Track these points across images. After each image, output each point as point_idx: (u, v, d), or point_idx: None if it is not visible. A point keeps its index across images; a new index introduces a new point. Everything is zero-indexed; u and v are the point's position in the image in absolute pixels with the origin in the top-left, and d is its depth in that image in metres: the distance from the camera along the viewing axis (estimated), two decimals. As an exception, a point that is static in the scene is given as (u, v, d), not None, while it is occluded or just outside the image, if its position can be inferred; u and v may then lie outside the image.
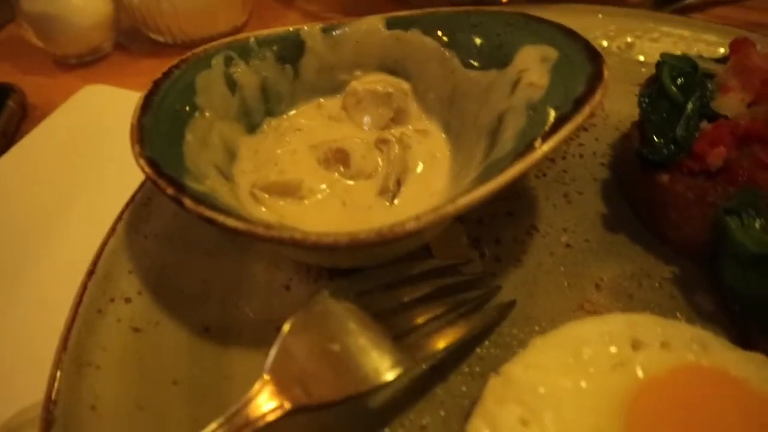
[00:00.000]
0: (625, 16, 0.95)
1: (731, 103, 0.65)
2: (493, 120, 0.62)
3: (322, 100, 0.75)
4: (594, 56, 0.59)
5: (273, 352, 0.50)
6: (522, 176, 0.52)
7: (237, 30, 1.07)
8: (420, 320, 0.54)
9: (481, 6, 0.71)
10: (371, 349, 0.49)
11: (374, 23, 0.73)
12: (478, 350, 0.58)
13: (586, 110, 0.54)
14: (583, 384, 0.51)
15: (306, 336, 0.50)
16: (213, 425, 0.47)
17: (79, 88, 0.94)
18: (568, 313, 0.61)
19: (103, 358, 0.55)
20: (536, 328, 0.60)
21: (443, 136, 0.70)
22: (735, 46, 0.69)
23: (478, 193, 0.50)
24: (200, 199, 0.53)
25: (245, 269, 0.66)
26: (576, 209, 0.72)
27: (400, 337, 0.51)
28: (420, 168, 0.68)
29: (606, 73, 0.57)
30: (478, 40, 0.68)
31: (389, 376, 0.48)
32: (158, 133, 0.59)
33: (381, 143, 0.69)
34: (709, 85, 0.68)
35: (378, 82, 0.72)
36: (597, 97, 0.55)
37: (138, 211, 0.67)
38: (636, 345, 0.54)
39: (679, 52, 0.75)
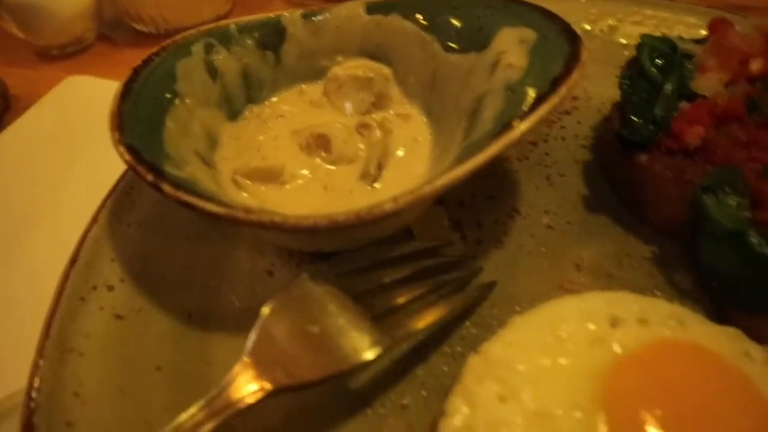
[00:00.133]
0: (607, -1, 0.95)
1: (709, 82, 0.66)
2: (472, 102, 0.62)
3: (303, 86, 0.75)
4: (572, 37, 0.59)
5: (253, 334, 0.50)
6: (499, 156, 0.52)
7: (221, 18, 1.07)
8: (399, 301, 0.54)
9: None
10: (350, 330, 0.50)
11: (355, 8, 0.73)
12: (459, 331, 0.59)
13: (563, 90, 0.54)
14: (561, 361, 0.52)
15: (285, 318, 0.50)
16: (194, 408, 0.48)
17: (62, 79, 0.94)
18: (548, 292, 0.62)
19: (86, 345, 0.56)
20: (516, 308, 0.61)
21: (424, 119, 0.71)
22: (713, 27, 0.69)
23: (454, 173, 0.50)
24: (180, 184, 0.54)
25: (228, 255, 0.66)
26: (557, 191, 0.72)
27: (379, 318, 0.52)
28: (401, 152, 0.68)
29: (584, 53, 0.57)
30: (457, 24, 0.68)
31: (368, 355, 0.49)
32: (138, 120, 0.59)
33: (362, 128, 0.69)
34: (689, 65, 0.68)
35: (359, 67, 0.72)
36: (574, 77, 0.55)
37: (120, 199, 0.67)
38: (614, 322, 0.55)
39: (660, 34, 0.75)
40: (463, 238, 0.67)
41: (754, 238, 0.55)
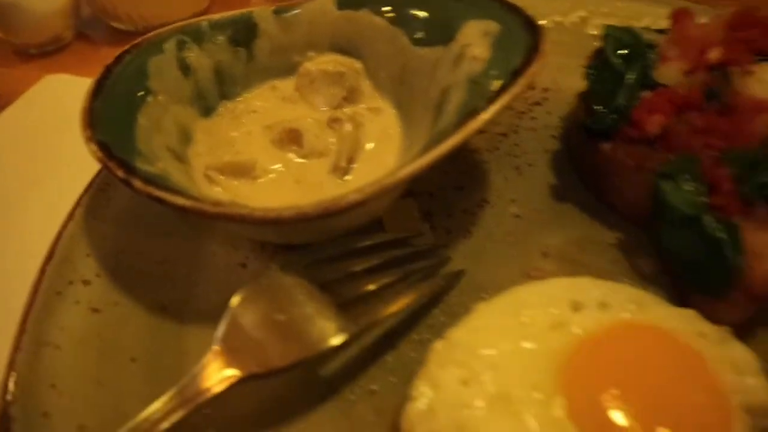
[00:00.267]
0: (580, -10, 0.97)
1: (670, 72, 0.67)
2: (439, 94, 0.64)
3: (276, 81, 0.76)
4: (533, 29, 0.61)
5: (222, 324, 0.52)
6: (464, 146, 0.54)
7: (198, 15, 1.07)
8: (367, 289, 0.56)
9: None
10: (316, 318, 0.51)
11: (325, 4, 0.74)
12: (427, 319, 0.61)
13: (524, 81, 0.56)
14: (523, 344, 0.54)
15: (254, 307, 0.52)
16: (166, 397, 0.49)
17: (40, 77, 0.95)
18: (514, 280, 0.62)
19: (62, 338, 0.57)
20: (483, 295, 0.62)
21: (395, 112, 0.72)
22: (675, 18, 0.71)
23: (416, 164, 0.52)
24: (151, 180, 0.55)
25: (202, 249, 0.67)
26: (526, 181, 0.74)
27: (345, 306, 0.53)
28: (372, 145, 0.69)
29: (544, 44, 0.59)
30: (425, 18, 0.69)
31: (334, 341, 0.51)
32: (110, 117, 0.61)
33: (333, 122, 0.70)
34: (652, 55, 0.70)
35: (330, 62, 0.73)
36: (534, 67, 0.57)
37: (96, 196, 0.68)
38: (575, 306, 0.56)
39: (626, 25, 0.77)
40: (433, 229, 0.68)
41: (709, 222, 0.57)
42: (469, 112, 0.55)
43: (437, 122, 0.61)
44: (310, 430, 0.54)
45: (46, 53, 1.04)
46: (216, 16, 0.73)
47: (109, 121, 0.60)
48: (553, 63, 0.84)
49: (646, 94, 0.66)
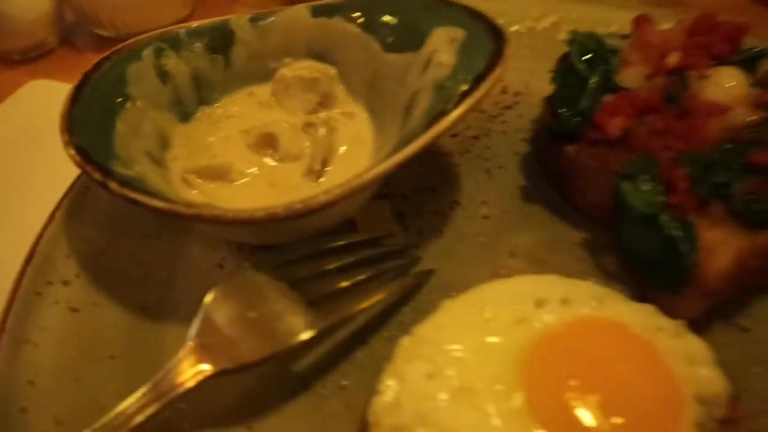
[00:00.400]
0: (551, -2, 0.99)
1: (632, 76, 0.70)
2: (408, 98, 0.66)
3: (253, 87, 0.78)
4: (497, 35, 0.63)
5: (196, 321, 0.54)
6: (430, 149, 0.56)
7: (181, 22, 1.09)
8: (336, 287, 0.58)
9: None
10: (286, 314, 0.54)
11: (300, 12, 0.76)
12: (397, 316, 0.63)
13: (486, 85, 0.58)
14: (487, 340, 0.56)
15: (227, 305, 0.54)
16: (141, 391, 0.51)
17: (24, 83, 0.96)
18: (483, 279, 0.64)
19: (41, 336, 0.59)
20: (452, 294, 0.63)
21: (367, 117, 0.74)
22: (637, 24, 0.73)
23: (382, 167, 0.54)
24: (127, 183, 0.57)
25: (181, 251, 0.69)
26: (496, 183, 0.76)
27: (315, 303, 0.55)
28: (345, 148, 0.71)
29: (507, 50, 0.61)
30: (395, 25, 0.72)
31: (302, 336, 0.53)
32: (88, 122, 0.63)
33: (308, 127, 0.72)
34: (614, 60, 0.72)
35: (305, 68, 0.76)
36: (497, 72, 0.59)
37: (76, 199, 0.70)
38: (539, 303, 0.58)
39: (601, 30, 0.79)
40: (405, 229, 0.71)
41: (665, 221, 0.59)
42: (434, 116, 0.57)
43: (406, 125, 0.63)
44: (282, 423, 0.56)
45: (30, 59, 1.06)
46: (193, 24, 0.75)
47: (88, 126, 0.62)
48: (525, 67, 0.88)
49: (609, 98, 0.69)
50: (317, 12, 0.76)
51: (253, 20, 0.76)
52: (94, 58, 0.70)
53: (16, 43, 1.03)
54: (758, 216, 0.60)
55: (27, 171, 0.85)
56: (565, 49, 0.90)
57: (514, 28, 0.94)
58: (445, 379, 0.53)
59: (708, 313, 0.62)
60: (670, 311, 0.58)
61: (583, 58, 0.73)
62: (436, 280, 0.66)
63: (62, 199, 0.69)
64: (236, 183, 0.68)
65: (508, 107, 0.86)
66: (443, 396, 0.52)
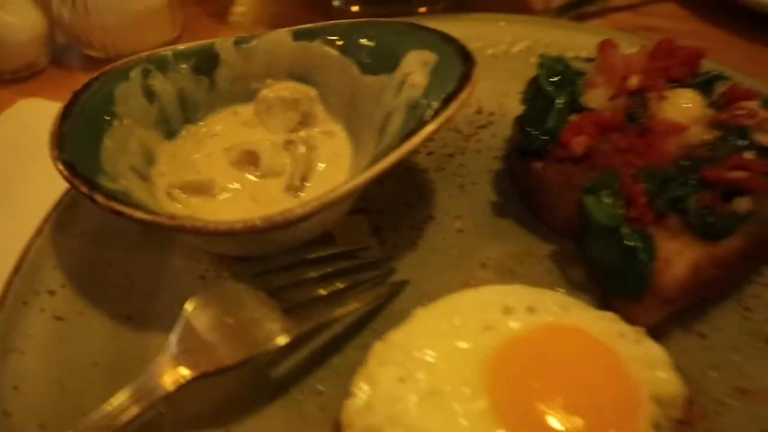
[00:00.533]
0: (524, 22, 1.03)
1: (596, 97, 0.74)
2: (383, 118, 0.70)
3: (237, 107, 0.81)
4: (466, 59, 0.67)
5: (177, 328, 0.56)
6: (397, 165, 0.59)
7: (169, 44, 1.13)
8: (312, 295, 0.60)
9: (377, 18, 0.78)
10: (263, 321, 0.56)
11: (282, 35, 0.80)
12: (371, 324, 0.66)
13: (455, 105, 0.62)
14: (456, 345, 0.58)
15: (206, 312, 0.57)
16: (123, 394, 0.53)
17: (14, 102, 0.99)
18: (454, 289, 0.67)
19: (26, 344, 0.61)
20: (425, 303, 0.67)
21: (346, 135, 0.77)
22: (601, 48, 0.78)
23: (355, 182, 0.58)
24: (113, 196, 0.60)
25: (164, 263, 0.72)
26: (470, 198, 0.79)
27: (292, 310, 0.58)
28: (324, 166, 0.74)
29: (475, 73, 0.65)
30: (372, 48, 0.75)
31: (279, 341, 0.55)
32: (77, 139, 0.65)
33: (288, 144, 0.75)
34: (580, 82, 0.76)
35: (287, 89, 0.79)
36: (464, 94, 0.63)
37: (64, 213, 0.72)
38: (506, 311, 0.61)
39: (572, 54, 0.83)
40: (381, 243, 0.74)
41: (626, 233, 0.63)
42: (407, 133, 0.61)
43: (380, 143, 0.66)
44: (260, 426, 0.58)
45: (21, 78, 1.08)
46: (180, 47, 0.79)
47: (76, 142, 0.65)
48: (499, 89, 0.92)
49: (574, 118, 0.72)
50: (298, 36, 0.79)
51: (237, 43, 0.80)
52: (84, 78, 0.73)
53: (8, 63, 1.06)
54: (712, 228, 0.63)
55: (16, 186, 0.87)
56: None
57: (489, 51, 0.98)
58: (416, 383, 0.56)
59: (668, 320, 0.65)
60: (630, 318, 0.62)
61: (551, 80, 0.77)
62: (410, 290, 0.68)
63: (50, 212, 0.71)
64: (219, 198, 0.71)
65: (483, 126, 0.89)
66: (413, 398, 0.55)
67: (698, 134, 0.69)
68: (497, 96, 0.92)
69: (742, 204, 0.64)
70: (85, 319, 0.65)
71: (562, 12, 1.18)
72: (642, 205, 0.64)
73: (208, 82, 0.79)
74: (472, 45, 0.71)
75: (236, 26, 1.25)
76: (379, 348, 0.59)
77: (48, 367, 0.60)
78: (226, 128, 0.79)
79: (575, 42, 0.97)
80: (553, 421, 0.53)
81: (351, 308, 0.62)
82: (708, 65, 0.79)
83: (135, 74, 0.74)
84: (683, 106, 0.72)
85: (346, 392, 0.59)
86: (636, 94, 0.72)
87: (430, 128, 0.60)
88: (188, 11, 1.21)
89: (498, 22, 1.04)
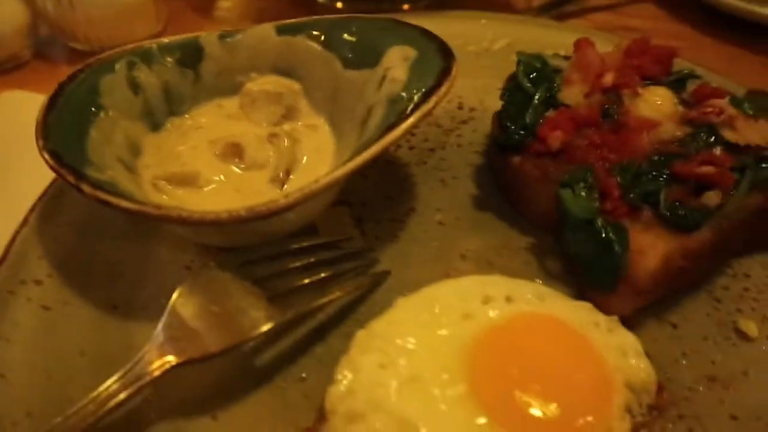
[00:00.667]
0: (505, 21, 1.06)
1: (572, 94, 0.76)
2: (364, 112, 0.71)
3: (222, 100, 0.82)
4: (446, 54, 0.69)
5: (164, 316, 0.57)
6: (377, 158, 0.61)
7: (153, 38, 1.13)
8: (296, 284, 0.62)
9: (360, 14, 0.80)
10: (248, 309, 0.58)
11: (266, 30, 0.81)
12: (354, 314, 0.67)
13: (434, 100, 0.64)
14: (436, 333, 0.60)
15: (192, 301, 0.58)
16: (111, 380, 0.54)
17: (-1, 94, 0.99)
18: (435, 279, 0.69)
19: (13, 332, 0.62)
20: (406, 293, 0.68)
21: (329, 129, 0.79)
22: (577, 46, 0.80)
23: (336, 174, 0.59)
24: (99, 185, 0.61)
25: (150, 253, 0.73)
26: (450, 192, 0.81)
27: (275, 299, 0.59)
28: (307, 158, 0.76)
29: (454, 68, 0.67)
30: (354, 44, 0.76)
31: (263, 328, 0.57)
32: (63, 129, 0.66)
33: (272, 137, 0.76)
34: (557, 79, 0.79)
35: (271, 83, 0.80)
36: (444, 89, 0.65)
37: (50, 203, 0.73)
38: (485, 300, 0.63)
39: (550, 52, 0.85)
40: (363, 234, 0.75)
41: (600, 225, 0.65)
42: (387, 127, 0.62)
43: (362, 137, 0.68)
44: (245, 412, 0.60)
45: (4, 71, 1.08)
46: (165, 40, 0.79)
47: (62, 133, 0.65)
48: (480, 85, 0.94)
49: (551, 113, 0.74)
50: (282, 31, 0.80)
51: (222, 37, 0.81)
52: (68, 71, 0.73)
53: (-9, 55, 1.06)
54: (683, 221, 0.66)
55: (1, 176, 0.87)
56: (517, 68, 0.97)
57: (470, 48, 1.00)
58: (397, 369, 0.57)
59: (641, 310, 0.68)
60: (605, 308, 0.64)
61: (530, 76, 0.79)
62: (391, 280, 0.70)
63: (36, 203, 0.72)
64: (204, 189, 0.72)
65: (464, 122, 0.91)
66: (394, 384, 0.56)
67: (670, 130, 0.72)
68: (478, 92, 0.94)
69: (712, 198, 0.67)
70: (71, 308, 0.66)
71: (542, 11, 1.20)
72: (616, 199, 0.67)
73: (193, 75, 0.80)
74: (454, 42, 0.72)
75: (221, 21, 1.25)
76: (361, 336, 0.60)
77: (35, 356, 0.61)
78: (210, 121, 0.80)
79: (554, 40, 0.99)
80: (529, 405, 0.55)
81: (334, 297, 0.63)
82: (680, 64, 0.82)
83: (120, 66, 0.75)
84: (656, 103, 0.74)
85: (329, 379, 0.60)
86: (611, 91, 0.75)
87: (410, 121, 0.62)
88: (173, 5, 1.21)
89: (479, 20, 1.06)
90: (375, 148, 0.60)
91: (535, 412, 0.54)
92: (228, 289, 0.59)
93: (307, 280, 0.63)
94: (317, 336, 0.65)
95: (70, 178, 0.60)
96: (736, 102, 0.74)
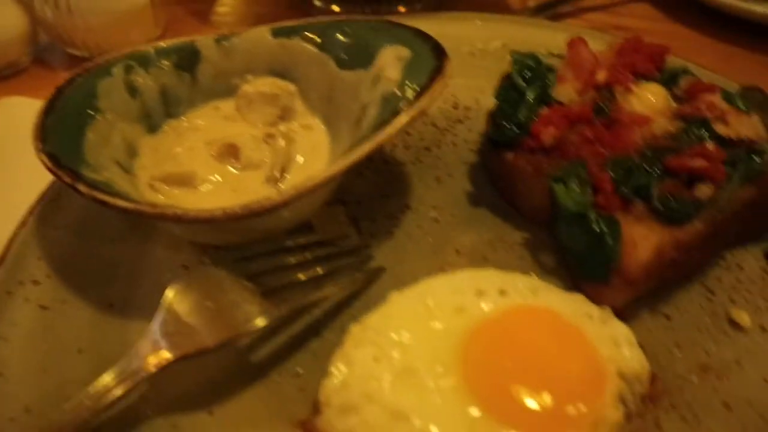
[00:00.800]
0: (500, 21, 1.07)
1: (566, 91, 0.77)
2: (359, 112, 0.72)
3: (218, 102, 0.83)
4: (440, 54, 0.69)
5: (159, 311, 0.58)
6: (370, 156, 0.62)
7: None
8: (290, 280, 0.62)
9: (353, 15, 0.81)
10: (242, 304, 0.58)
11: (262, 33, 0.82)
12: (349, 309, 0.68)
13: (427, 98, 0.65)
14: (430, 326, 0.60)
15: (187, 297, 0.59)
16: (106, 377, 0.55)
17: (-2, 100, 1.00)
18: (429, 274, 0.70)
19: (11, 331, 0.62)
20: (401, 288, 0.69)
21: (325, 129, 0.80)
22: (571, 44, 0.81)
23: (329, 172, 0.60)
24: (95, 186, 0.61)
25: (147, 253, 0.73)
26: (445, 189, 0.82)
27: (270, 294, 0.60)
28: (303, 158, 0.77)
29: (447, 67, 0.67)
30: (349, 45, 0.77)
31: (257, 323, 0.57)
32: (60, 132, 0.67)
33: (268, 138, 0.77)
34: (551, 77, 0.79)
35: (267, 84, 0.81)
36: (437, 86, 0.66)
37: (48, 206, 0.73)
38: (478, 293, 0.64)
39: (544, 51, 0.86)
40: (359, 232, 0.76)
41: (593, 218, 0.65)
42: (380, 125, 0.63)
43: (356, 135, 0.69)
44: (241, 407, 0.60)
45: (4, 77, 1.09)
46: (162, 44, 0.80)
47: (59, 135, 0.66)
48: (474, 85, 0.95)
49: (544, 110, 0.75)
50: (278, 33, 0.81)
51: (218, 40, 0.82)
52: (66, 76, 0.74)
53: (-9, 62, 1.07)
54: (675, 213, 0.66)
55: (0, 180, 0.88)
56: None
57: (465, 49, 1.01)
58: (390, 362, 0.58)
59: (635, 302, 0.68)
60: (598, 300, 0.64)
61: (523, 75, 0.80)
62: (386, 276, 0.71)
63: (35, 205, 0.73)
64: (201, 189, 0.73)
65: (459, 121, 0.92)
66: (388, 377, 0.56)
67: (662, 126, 0.73)
68: (473, 92, 0.95)
69: (704, 190, 0.67)
70: (69, 307, 0.67)
71: (537, 12, 1.21)
72: (608, 192, 0.67)
73: (190, 78, 0.81)
74: (448, 43, 0.73)
75: (219, 26, 1.27)
76: (355, 330, 0.61)
77: (32, 354, 0.62)
78: (207, 123, 0.81)
79: (548, 40, 1.00)
80: (522, 396, 0.55)
81: (328, 293, 0.64)
82: (674, 62, 0.82)
83: (117, 70, 0.76)
84: (648, 99, 0.75)
85: (323, 374, 0.61)
86: (603, 88, 0.75)
87: (403, 119, 0.62)
88: (171, 11, 1.22)
89: (474, 20, 1.07)
90: (368, 146, 0.61)
91: (528, 402, 0.54)
92: (222, 285, 0.60)
93: (301, 276, 0.63)
94: (312, 332, 0.66)
95: (67, 179, 0.60)
96: (728, 97, 0.75)
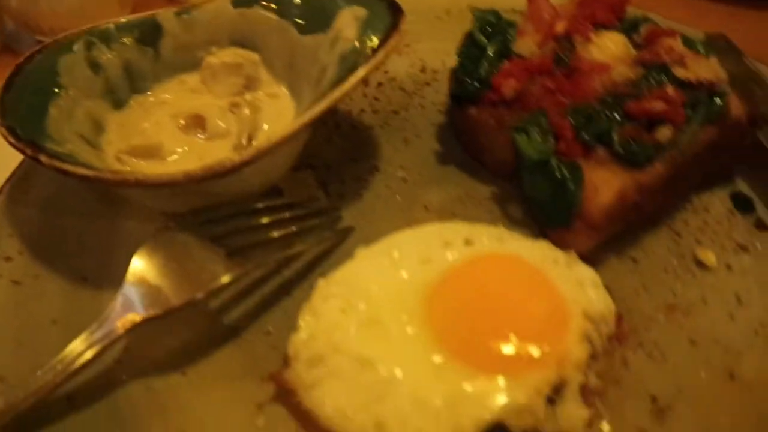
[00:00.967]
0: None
1: (526, 44, 0.77)
2: (319, 73, 0.72)
3: (183, 76, 0.83)
4: (395, 11, 0.70)
5: (126, 275, 0.58)
6: (326, 114, 0.62)
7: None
8: (254, 240, 0.63)
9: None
10: (207, 263, 0.59)
11: (222, 3, 0.82)
12: (319, 268, 0.68)
13: (382, 52, 0.65)
14: (395, 278, 0.61)
15: (153, 260, 0.59)
16: (77, 341, 0.56)
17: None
18: (398, 231, 0.71)
19: (-17, 307, 0.63)
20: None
21: (290, 96, 0.80)
22: (530, -1, 0.81)
23: (285, 132, 0.61)
24: (57, 156, 0.62)
25: (118, 226, 0.73)
26: (413, 149, 0.82)
27: (235, 254, 0.61)
28: (269, 125, 0.77)
29: (402, 23, 0.68)
30: (307, 10, 0.78)
31: (221, 280, 0.58)
32: (21, 107, 0.67)
33: (234, 107, 0.78)
34: (512, 31, 0.80)
35: (230, 55, 0.81)
36: (392, 41, 0.66)
37: (18, 184, 0.74)
38: (444, 244, 0.65)
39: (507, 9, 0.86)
40: (328, 195, 0.76)
41: (555, 165, 0.66)
42: (334, 84, 0.64)
43: (316, 95, 0.69)
44: (214, 367, 0.61)
45: (-28, 67, 1.09)
46: (122, 19, 0.80)
47: (20, 110, 0.66)
48: (441, 48, 0.95)
49: (504, 64, 0.75)
50: (237, 3, 0.81)
51: (179, 14, 0.81)
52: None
53: (-42, 52, 1.07)
54: (635, 157, 0.67)
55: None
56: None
57: (432, 12, 1.01)
58: (356, 313, 0.59)
59: (602, 247, 0.69)
60: (564, 246, 0.65)
61: (484, 31, 0.80)
62: (355, 235, 0.71)
63: (4, 184, 0.73)
64: (168, 160, 0.73)
65: (426, 84, 0.92)
66: (354, 327, 0.58)
67: (622, 73, 0.73)
68: (440, 55, 0.95)
69: (664, 133, 0.68)
70: (42, 281, 0.67)
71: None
72: (569, 140, 0.68)
73: (153, 52, 0.81)
74: (416, 6, 0.74)
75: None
76: (322, 284, 0.62)
77: (6, 327, 0.62)
78: (173, 96, 0.81)
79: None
80: (487, 338, 0.56)
81: (295, 251, 0.65)
82: (634, 12, 0.83)
83: (79, 47, 0.76)
84: (608, 47, 0.75)
85: (293, 330, 0.62)
86: (563, 39, 0.76)
87: (360, 73, 0.63)
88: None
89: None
90: (327, 101, 0.61)
91: (492, 344, 0.55)
92: (188, 248, 0.60)
93: (267, 236, 0.64)
94: (283, 291, 0.67)
95: (28, 151, 0.61)
96: (687, 42, 0.75)
